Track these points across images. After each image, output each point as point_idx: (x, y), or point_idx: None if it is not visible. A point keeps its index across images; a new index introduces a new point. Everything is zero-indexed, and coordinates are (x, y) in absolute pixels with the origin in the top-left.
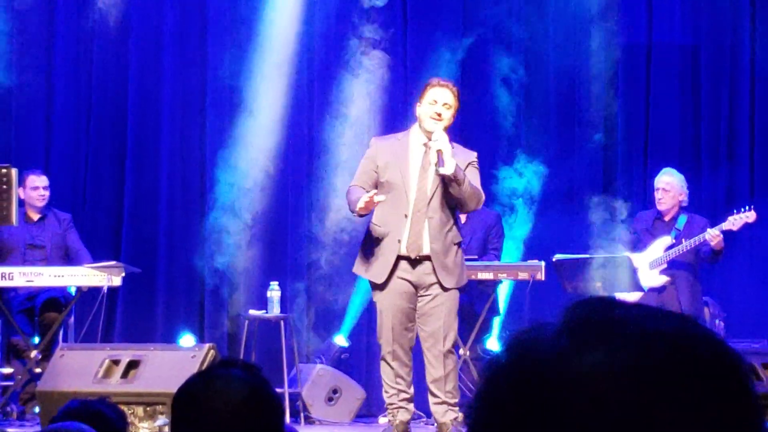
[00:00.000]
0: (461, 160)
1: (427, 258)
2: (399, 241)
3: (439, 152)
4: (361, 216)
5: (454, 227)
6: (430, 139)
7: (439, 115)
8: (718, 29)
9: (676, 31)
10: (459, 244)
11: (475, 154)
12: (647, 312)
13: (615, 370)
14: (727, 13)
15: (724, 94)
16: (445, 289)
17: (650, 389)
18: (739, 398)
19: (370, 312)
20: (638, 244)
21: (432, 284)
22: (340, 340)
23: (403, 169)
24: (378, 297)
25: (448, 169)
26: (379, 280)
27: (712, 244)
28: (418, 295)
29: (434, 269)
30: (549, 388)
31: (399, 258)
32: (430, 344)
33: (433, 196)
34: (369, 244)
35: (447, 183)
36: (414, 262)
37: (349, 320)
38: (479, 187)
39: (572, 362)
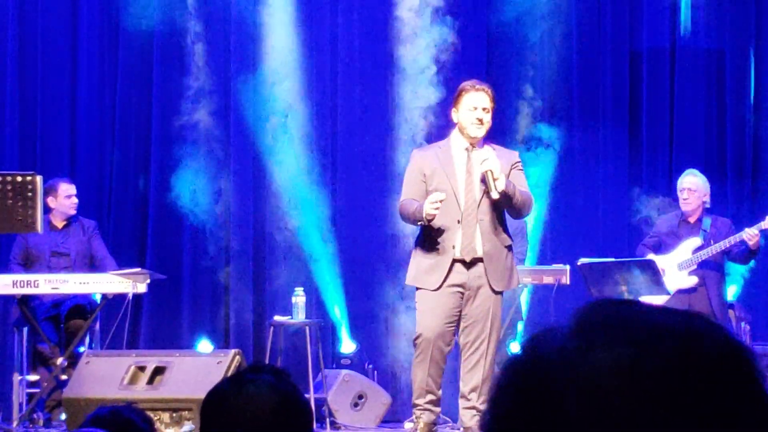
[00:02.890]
0: (504, 164)
1: (481, 260)
2: (453, 246)
3: (489, 173)
4: (429, 222)
5: (505, 230)
6: (472, 145)
7: (481, 120)
8: (742, 32)
9: (701, 35)
10: (509, 248)
11: (516, 154)
12: (656, 311)
13: (620, 368)
14: (752, 16)
15: (749, 97)
16: (494, 292)
17: (655, 386)
18: (748, 395)
19: (395, 317)
20: (661, 246)
21: (480, 287)
22: (346, 347)
23: (450, 175)
24: (423, 299)
25: (500, 186)
26: (433, 287)
27: (750, 243)
28: (465, 298)
29: (486, 271)
30: (557, 388)
31: (454, 261)
32: (472, 350)
33: (482, 200)
34: (422, 252)
35: (501, 200)
36: (467, 265)
37: (347, 325)
38: (527, 189)
39: (579, 362)
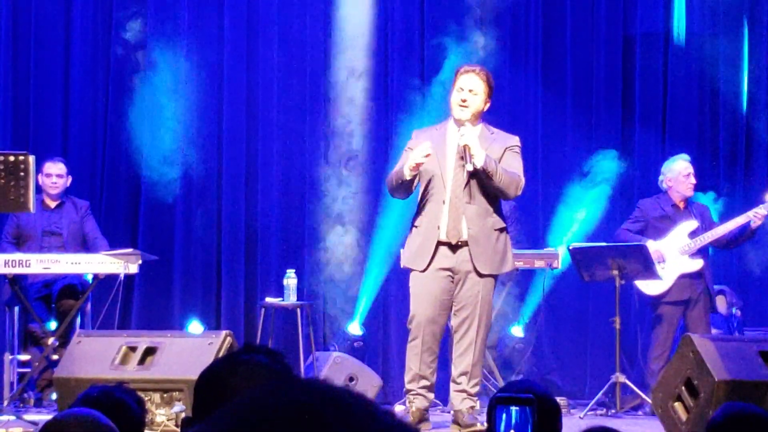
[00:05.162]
0: (498, 147)
1: (466, 244)
2: (438, 227)
3: (465, 148)
4: (403, 186)
5: (496, 213)
6: (459, 125)
7: (464, 101)
8: (735, 17)
9: (695, 20)
10: (502, 230)
11: (516, 139)
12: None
13: None
14: (746, 2)
15: (742, 83)
16: (480, 275)
17: None
18: None
19: (387, 300)
20: (647, 231)
21: (469, 272)
22: (354, 328)
23: (441, 156)
24: (414, 282)
25: (478, 162)
26: (420, 268)
27: (758, 223)
28: (455, 282)
29: (471, 255)
30: None
31: (439, 244)
32: (461, 333)
33: (470, 183)
34: (413, 234)
35: (481, 176)
36: (453, 248)
37: (363, 308)
38: (518, 171)
39: None
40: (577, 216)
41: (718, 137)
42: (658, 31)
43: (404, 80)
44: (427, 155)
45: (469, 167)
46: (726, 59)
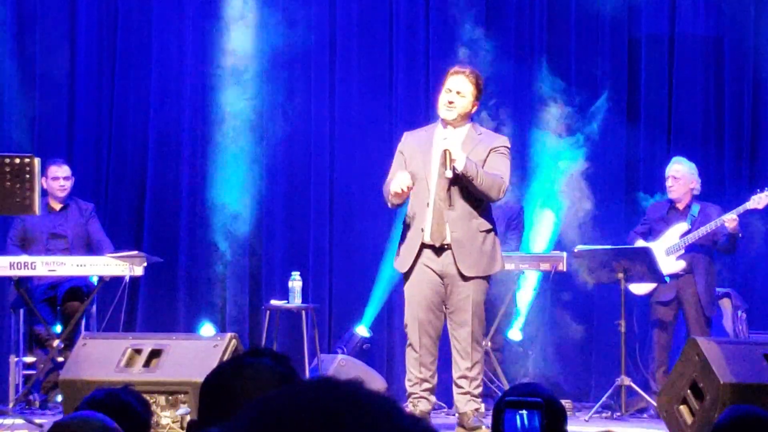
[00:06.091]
0: (483, 148)
1: (450, 247)
2: (422, 229)
3: (446, 152)
4: (395, 205)
5: (482, 215)
6: (445, 125)
7: (451, 102)
8: (741, 19)
9: (700, 22)
10: (489, 231)
11: (503, 139)
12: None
13: None
14: (751, 3)
15: (747, 84)
16: (465, 278)
17: None
18: None
19: (391, 303)
20: (650, 233)
21: (455, 275)
22: (362, 330)
23: (426, 158)
24: (405, 286)
25: (458, 166)
26: (404, 269)
27: (730, 227)
28: (445, 286)
29: (455, 259)
30: None
31: (424, 246)
32: (457, 336)
33: (451, 188)
34: (400, 235)
35: (463, 181)
36: (438, 251)
37: (371, 311)
38: (502, 173)
39: None
40: (572, 216)
41: (724, 139)
42: (663, 32)
43: (407, 78)
44: (409, 187)
45: (448, 173)
46: (731, 60)
